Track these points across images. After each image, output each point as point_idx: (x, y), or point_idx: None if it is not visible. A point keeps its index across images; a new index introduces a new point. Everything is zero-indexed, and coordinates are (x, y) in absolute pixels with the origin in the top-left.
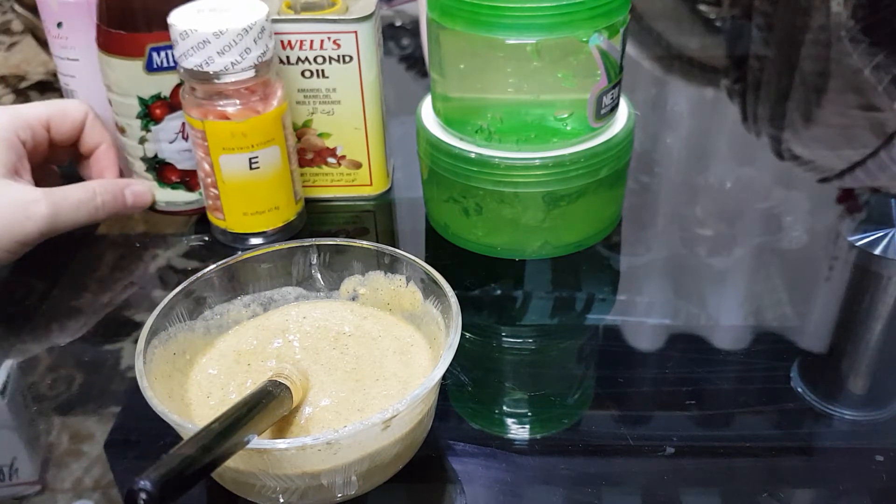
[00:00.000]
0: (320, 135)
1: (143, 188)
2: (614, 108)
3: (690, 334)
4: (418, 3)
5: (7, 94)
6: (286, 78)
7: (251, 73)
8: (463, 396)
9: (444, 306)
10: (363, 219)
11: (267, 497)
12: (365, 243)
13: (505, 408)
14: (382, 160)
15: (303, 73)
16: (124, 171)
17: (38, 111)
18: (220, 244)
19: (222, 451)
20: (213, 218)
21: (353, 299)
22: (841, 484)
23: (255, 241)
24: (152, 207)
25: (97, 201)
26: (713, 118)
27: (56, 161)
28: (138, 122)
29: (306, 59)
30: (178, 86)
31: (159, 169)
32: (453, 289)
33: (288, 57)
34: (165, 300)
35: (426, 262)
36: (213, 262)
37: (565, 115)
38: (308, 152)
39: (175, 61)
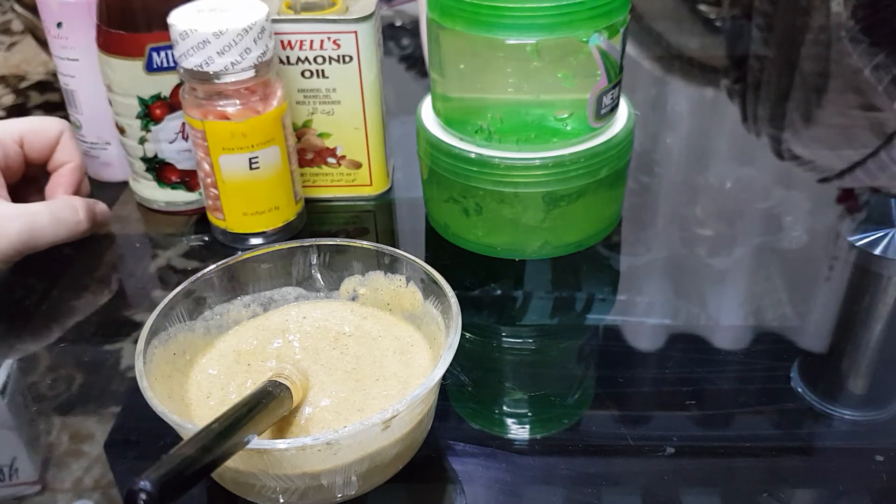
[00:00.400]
0: (320, 135)
1: (106, 207)
2: (614, 108)
3: (690, 334)
4: (418, 3)
5: (7, 94)
6: (286, 78)
7: (251, 73)
8: (463, 396)
9: (444, 306)
10: (363, 219)
11: (267, 497)
12: (365, 243)
13: (505, 408)
14: (382, 160)
15: (303, 73)
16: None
17: (11, 128)
18: (220, 244)
19: (222, 452)
20: (213, 218)
21: (353, 299)
22: (841, 484)
23: (255, 241)
24: (152, 207)
25: (79, 216)
26: (713, 118)
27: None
28: (138, 122)
29: (306, 59)
30: (178, 86)
31: (159, 169)
32: (453, 289)
33: (288, 57)
34: (165, 300)
35: (426, 262)
36: (213, 262)
37: (565, 115)
38: (308, 152)
39: (175, 61)
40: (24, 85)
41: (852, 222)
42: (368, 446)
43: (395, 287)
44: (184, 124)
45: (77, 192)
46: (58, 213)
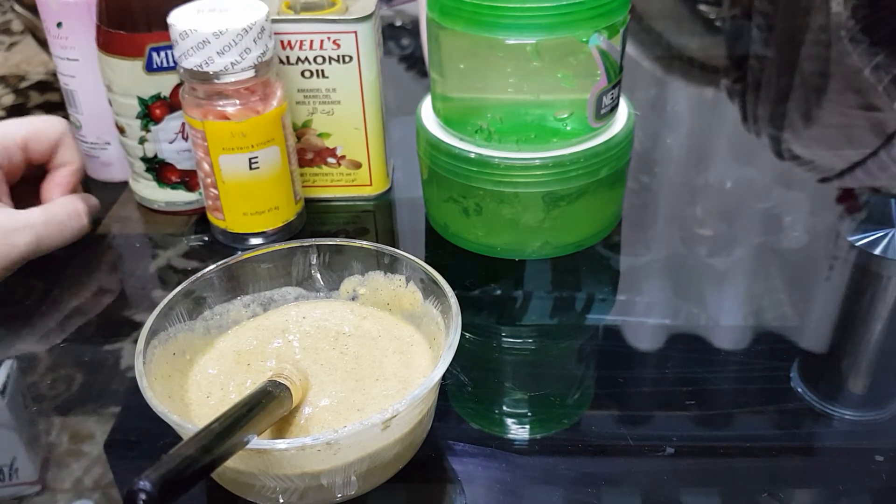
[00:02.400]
0: (320, 135)
1: (97, 201)
2: (614, 108)
3: (690, 334)
4: (418, 3)
5: (7, 94)
6: (286, 78)
7: (251, 73)
8: (463, 396)
9: (444, 306)
10: (363, 219)
11: (267, 497)
12: (365, 243)
13: (505, 408)
14: (382, 160)
15: (303, 73)
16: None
17: (15, 133)
18: (220, 244)
19: (222, 452)
20: (213, 218)
21: (353, 299)
22: (841, 484)
23: (254, 241)
24: (152, 207)
25: (83, 222)
26: (713, 118)
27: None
28: (138, 122)
29: (306, 59)
30: (178, 86)
31: (159, 169)
32: (453, 289)
33: (288, 57)
34: (165, 300)
35: (426, 262)
36: (213, 262)
37: (565, 115)
38: (308, 152)
39: (175, 61)
40: (24, 85)
41: (852, 222)
42: (368, 446)
43: (394, 287)
44: (184, 124)
45: (73, 193)
46: (64, 221)
